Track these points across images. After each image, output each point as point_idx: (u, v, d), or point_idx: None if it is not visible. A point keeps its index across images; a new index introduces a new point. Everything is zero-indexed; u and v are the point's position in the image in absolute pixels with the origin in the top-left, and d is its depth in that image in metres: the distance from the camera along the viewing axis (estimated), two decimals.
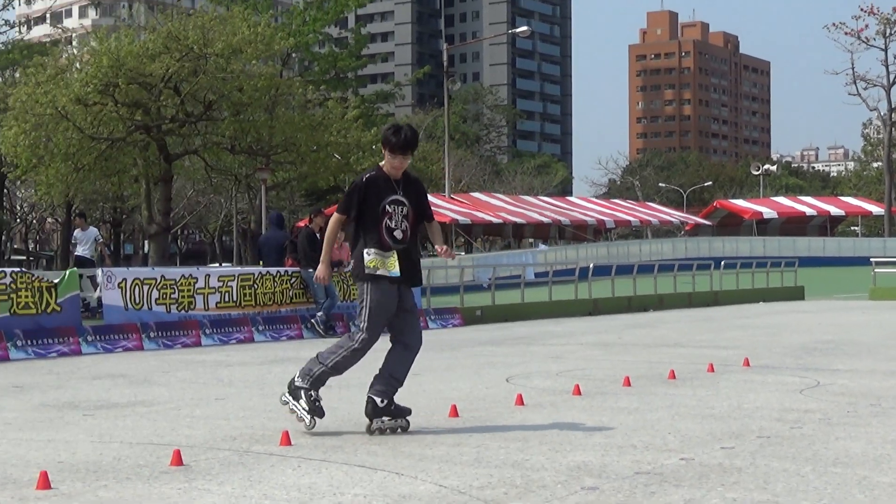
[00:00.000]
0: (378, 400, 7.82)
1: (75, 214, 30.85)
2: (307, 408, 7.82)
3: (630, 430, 8.03)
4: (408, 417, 8.03)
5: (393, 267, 7.68)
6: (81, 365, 14.06)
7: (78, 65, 42.42)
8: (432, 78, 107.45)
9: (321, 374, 7.90)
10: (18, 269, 17.58)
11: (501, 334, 19.15)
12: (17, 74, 46.68)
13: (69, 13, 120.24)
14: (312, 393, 7.87)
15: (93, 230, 25.80)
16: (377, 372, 7.99)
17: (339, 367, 7.94)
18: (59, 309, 16.24)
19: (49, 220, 66.88)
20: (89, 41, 46.80)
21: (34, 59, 45.21)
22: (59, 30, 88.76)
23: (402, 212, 7.81)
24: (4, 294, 15.62)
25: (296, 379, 7.93)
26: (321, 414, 7.86)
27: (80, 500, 5.82)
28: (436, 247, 8.24)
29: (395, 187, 7.82)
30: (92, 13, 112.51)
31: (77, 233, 25.23)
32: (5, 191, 61.89)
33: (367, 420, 7.86)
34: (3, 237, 65.35)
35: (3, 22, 37.70)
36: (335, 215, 8.00)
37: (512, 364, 13.57)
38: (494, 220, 50.16)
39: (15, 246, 69.52)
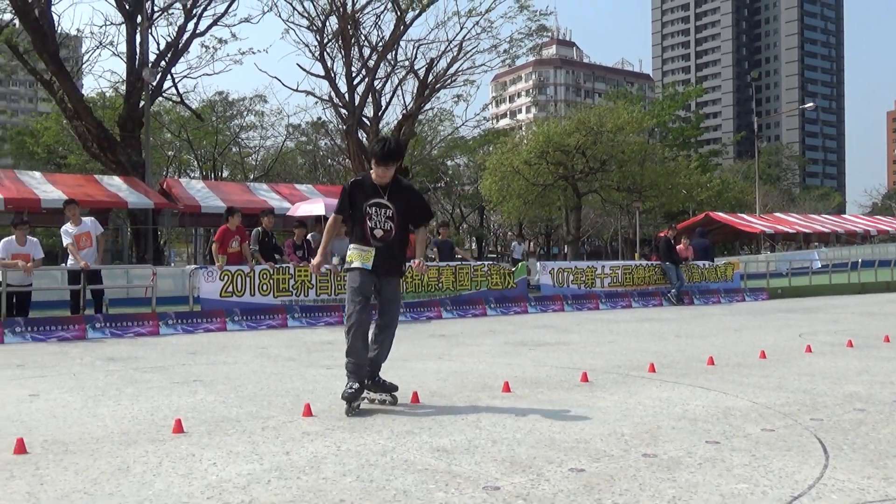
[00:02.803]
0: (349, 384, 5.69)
1: (517, 232, 32.15)
2: (387, 388, 5.98)
3: (889, 371, 7.28)
4: (394, 393, 5.96)
5: (367, 261, 5.76)
6: (528, 319, 14.48)
7: (525, 141, 43.75)
8: (747, 139, 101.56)
9: (353, 367, 5.78)
10: (492, 262, 18.29)
11: (795, 305, 17.84)
12: (491, 148, 48.74)
13: (520, 111, 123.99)
14: (367, 381, 5.88)
15: (522, 245, 27.56)
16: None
17: (351, 352, 5.79)
18: (514, 286, 16.79)
19: (509, 234, 69.02)
20: (532, 127, 48.24)
21: (500, 138, 47.35)
22: (515, 121, 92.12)
23: (385, 214, 5.81)
24: (485, 276, 16.37)
25: (351, 386, 5.66)
26: (395, 386, 6.03)
27: (528, 399, 6.03)
28: (412, 260, 6.09)
29: (381, 192, 5.80)
30: (534, 110, 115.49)
31: (514, 244, 26.68)
32: (484, 215, 64.60)
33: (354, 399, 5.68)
34: (483, 244, 68.29)
35: (484, 118, 40.20)
36: (333, 215, 6.17)
37: (802, 325, 12.64)
38: (790, 230, 46.74)
39: (490, 248, 72.31)
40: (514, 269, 17.29)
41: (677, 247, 19.67)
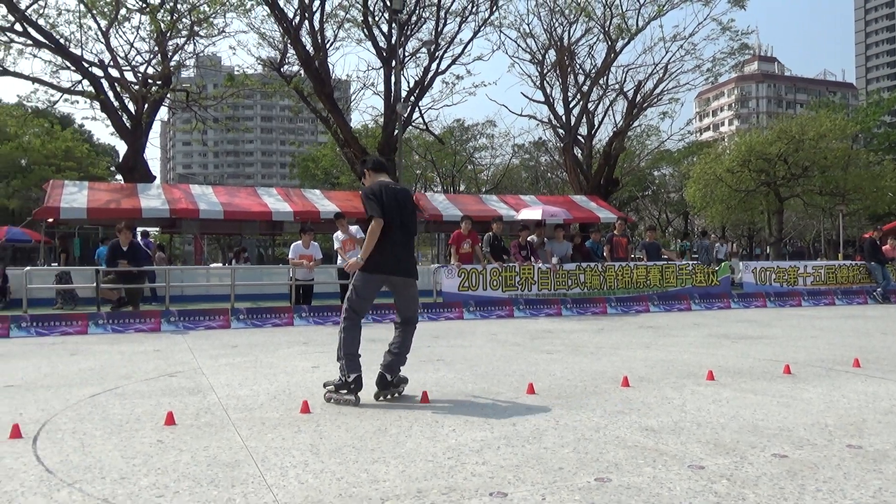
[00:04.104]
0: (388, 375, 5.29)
1: (721, 235, 29.92)
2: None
3: None
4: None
5: None
6: (730, 314, 13.57)
7: (728, 151, 41.28)
8: None
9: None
10: (696, 262, 17.38)
11: None
12: (695, 158, 46.39)
13: (722, 124, 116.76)
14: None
15: (725, 246, 24.70)
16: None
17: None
18: (718, 283, 15.84)
19: (713, 236, 65.26)
20: (734, 137, 45.41)
21: (704, 150, 45.01)
22: (717, 133, 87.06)
23: None
24: (689, 275, 15.59)
25: None
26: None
27: (731, 388, 5.67)
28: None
29: None
30: (736, 122, 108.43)
31: (718, 245, 24.49)
32: (689, 219, 61.54)
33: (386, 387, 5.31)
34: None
35: (688, 132, 38.43)
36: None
37: None
38: None
39: (694, 250, 68.78)
40: (717, 269, 16.33)
41: (883, 247, 17.64)
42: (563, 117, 29.35)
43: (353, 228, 13.32)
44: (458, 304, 12.82)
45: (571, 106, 29.37)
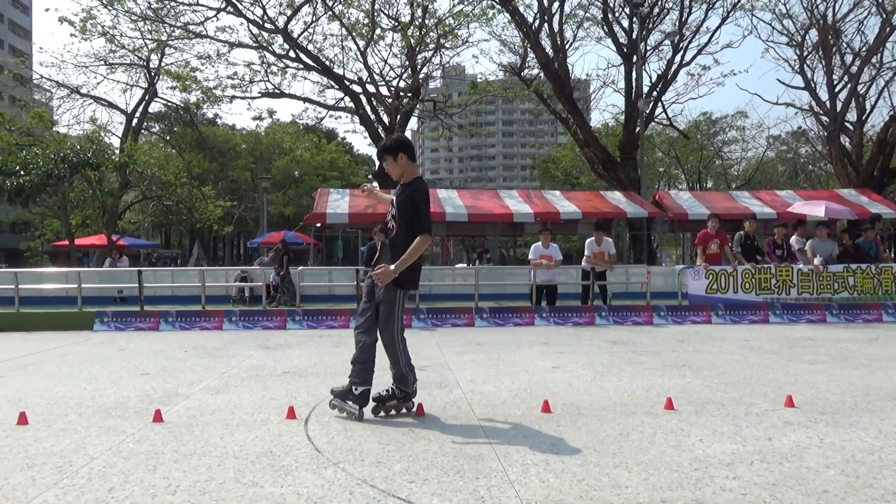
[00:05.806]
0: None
1: None
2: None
3: None
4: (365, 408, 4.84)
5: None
6: None
7: None
8: None
9: (357, 370, 4.97)
10: None
11: None
12: None
13: None
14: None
15: None
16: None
17: (353, 358, 5.00)
18: None
19: None
20: None
21: None
22: None
23: (391, 212, 4.84)
24: None
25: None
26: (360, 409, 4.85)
27: None
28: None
29: (398, 190, 4.86)
30: None
31: None
32: None
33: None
34: None
35: None
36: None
37: None
38: None
39: None
40: None
41: None
42: (828, 103, 26.65)
43: (607, 240, 13.16)
44: (706, 308, 12.16)
45: (837, 90, 26.59)
